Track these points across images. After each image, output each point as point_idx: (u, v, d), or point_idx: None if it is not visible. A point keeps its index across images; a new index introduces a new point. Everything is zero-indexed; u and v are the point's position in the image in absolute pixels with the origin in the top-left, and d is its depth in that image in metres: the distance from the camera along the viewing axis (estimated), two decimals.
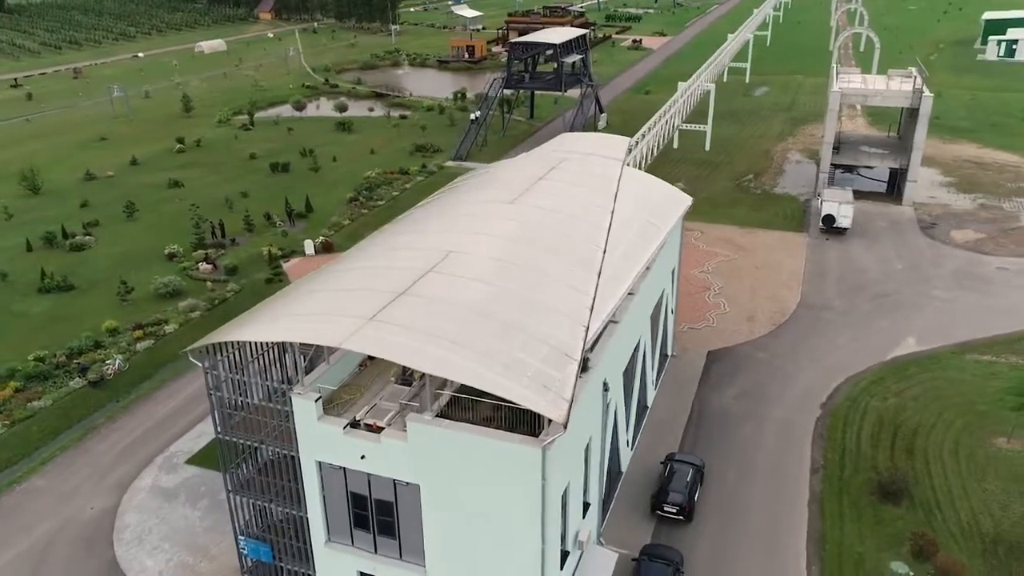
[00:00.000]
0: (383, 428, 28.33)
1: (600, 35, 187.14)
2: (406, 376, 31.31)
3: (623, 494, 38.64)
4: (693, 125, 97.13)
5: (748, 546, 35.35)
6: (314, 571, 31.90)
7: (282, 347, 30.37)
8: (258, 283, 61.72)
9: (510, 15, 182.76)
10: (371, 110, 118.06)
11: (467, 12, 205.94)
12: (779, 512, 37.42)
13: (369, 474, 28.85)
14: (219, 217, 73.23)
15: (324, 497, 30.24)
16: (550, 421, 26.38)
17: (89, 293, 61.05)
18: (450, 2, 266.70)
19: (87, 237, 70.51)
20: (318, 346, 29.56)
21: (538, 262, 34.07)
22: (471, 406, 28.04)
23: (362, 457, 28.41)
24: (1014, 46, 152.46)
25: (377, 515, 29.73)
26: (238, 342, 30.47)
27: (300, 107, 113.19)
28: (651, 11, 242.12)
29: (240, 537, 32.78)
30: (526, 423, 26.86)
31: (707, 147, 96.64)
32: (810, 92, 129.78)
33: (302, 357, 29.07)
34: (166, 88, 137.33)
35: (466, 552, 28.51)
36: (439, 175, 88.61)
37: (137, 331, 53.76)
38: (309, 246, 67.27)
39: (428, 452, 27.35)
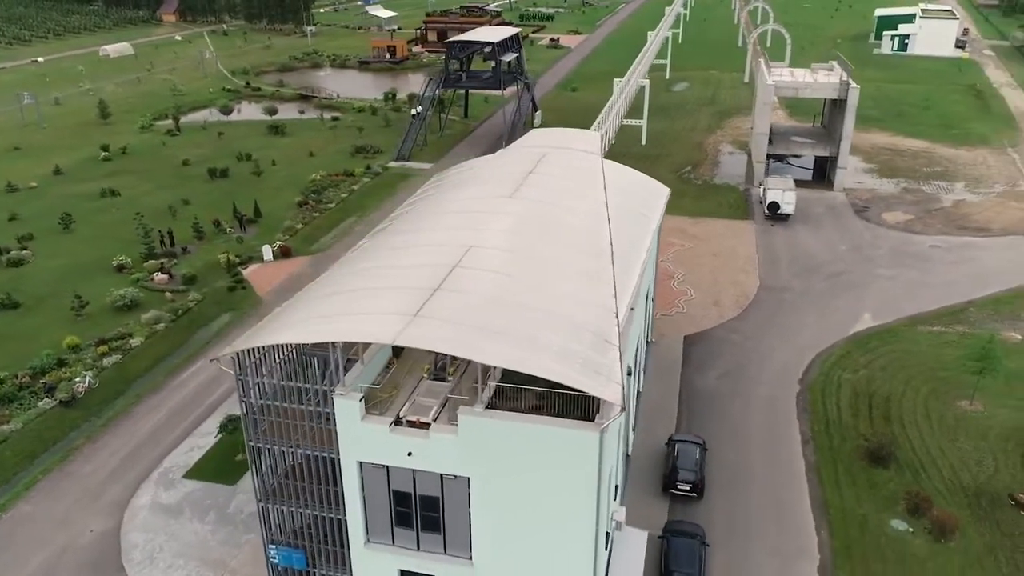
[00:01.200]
0: (428, 424, 28.47)
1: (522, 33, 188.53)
2: (439, 372, 31.44)
3: (632, 476, 39.81)
4: (630, 120, 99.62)
5: (759, 516, 37.11)
6: (351, 574, 31.65)
7: (299, 349, 29.90)
8: (220, 291, 59.94)
9: (428, 15, 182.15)
10: (302, 112, 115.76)
11: (382, 12, 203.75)
12: (780, 482, 39.40)
13: (414, 470, 28.89)
14: (164, 226, 70.59)
15: (364, 497, 30.05)
16: (598, 408, 27.23)
17: (37, 309, 57.87)
18: (359, 2, 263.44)
19: (24, 251, 66.64)
20: (345, 347, 29.35)
21: (553, 253, 34.89)
22: (516, 395, 28.50)
23: (409, 454, 28.45)
24: (906, 40, 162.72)
25: (421, 511, 29.80)
26: (265, 347, 29.92)
27: (227, 111, 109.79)
28: (561, 10, 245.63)
29: (271, 546, 32.16)
30: (575, 409, 27.54)
31: (643, 141, 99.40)
32: (728, 87, 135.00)
33: (342, 358, 28.82)
34: (76, 94, 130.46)
35: (515, 540, 28.92)
36: (384, 176, 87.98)
37: (101, 346, 51.40)
38: (267, 252, 65.72)
39: (479, 444, 27.65)
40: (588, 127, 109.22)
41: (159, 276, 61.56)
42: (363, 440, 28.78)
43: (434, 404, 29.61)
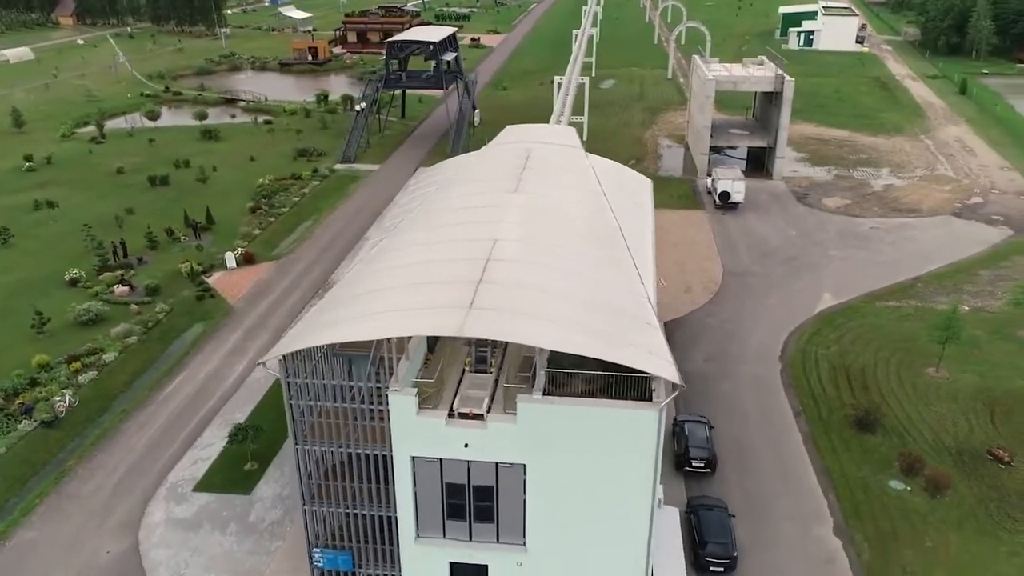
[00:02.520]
0: (481, 415, 28.90)
1: None
2: (479, 364, 31.85)
3: None
4: (572, 117, 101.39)
5: (770, 486, 39.13)
6: (399, 571, 31.70)
7: (333, 349, 29.85)
8: (187, 301, 58.11)
9: (347, 15, 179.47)
10: (233, 116, 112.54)
11: (296, 13, 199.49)
12: (782, 453, 41.60)
13: (469, 461, 29.28)
14: (110, 236, 67.71)
15: (416, 492, 30.21)
16: (647, 388, 28.35)
17: None
18: (267, 3, 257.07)
19: None
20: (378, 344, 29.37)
21: (572, 243, 35.82)
22: (566, 381, 29.29)
23: (465, 445, 28.84)
24: (811, 36, 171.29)
25: (475, 501, 30.19)
26: (312, 348, 29.66)
27: (154, 117, 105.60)
28: (475, 10, 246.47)
29: (315, 550, 31.87)
30: (625, 390, 28.49)
31: (584, 137, 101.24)
32: (653, 83, 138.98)
33: (396, 355, 28.90)
34: None
35: (570, 522, 29.70)
36: (332, 179, 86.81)
37: (74, 363, 49.10)
38: (230, 259, 64.01)
39: (537, 431, 28.29)
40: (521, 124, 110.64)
41: (120, 288, 59.09)
42: (417, 435, 28.95)
43: (482, 395, 30.04)
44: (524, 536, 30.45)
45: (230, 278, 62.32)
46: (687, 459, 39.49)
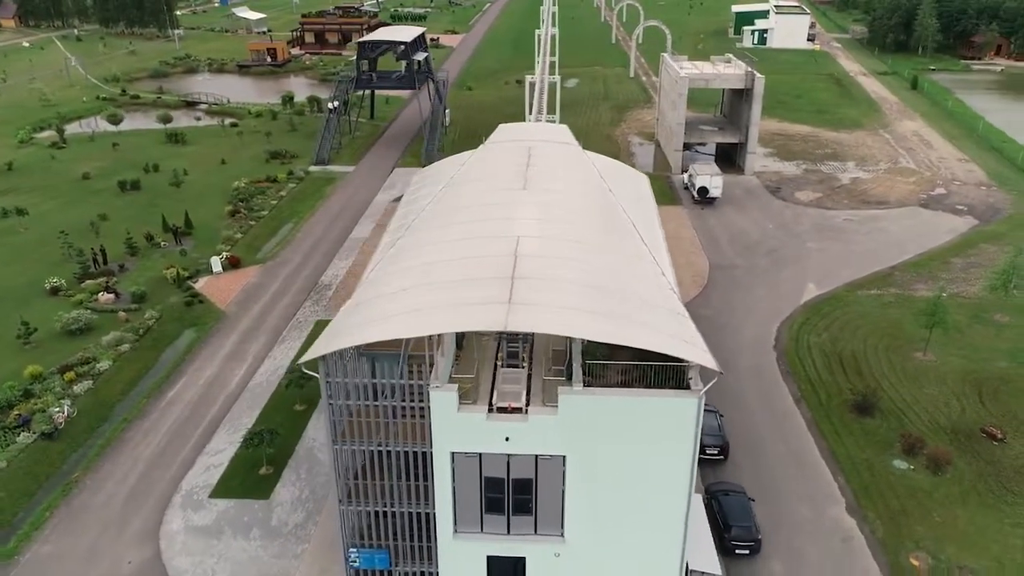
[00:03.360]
0: (519, 409, 29.27)
1: None
2: (511, 359, 32.18)
3: None
4: (544, 116, 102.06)
5: (781, 470, 40.31)
6: (436, 568, 31.84)
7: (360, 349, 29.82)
8: (176, 308, 57.11)
9: (304, 16, 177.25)
10: (198, 119, 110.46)
11: (250, 14, 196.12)
12: (788, 438, 42.86)
13: (509, 455, 29.61)
14: (86, 243, 66.13)
15: (455, 488, 30.40)
16: (682, 376, 29.08)
17: None
18: (217, 4, 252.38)
19: None
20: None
21: (592, 237, 36.38)
22: (601, 372, 29.83)
23: (506, 439, 29.16)
24: (765, 35, 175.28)
25: (514, 494, 30.52)
26: (351, 348, 29.61)
27: (116, 121, 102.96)
28: (430, 10, 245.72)
29: (351, 550, 31.82)
30: (661, 380, 29.16)
31: None
32: (616, 82, 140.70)
33: (435, 352, 29.06)
34: None
35: (608, 511, 30.24)
36: (308, 181, 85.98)
37: (67, 373, 47.92)
38: (216, 263, 63.02)
39: (577, 422, 28.75)
40: (493, 124, 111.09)
41: (104, 296, 57.74)
42: (458, 430, 29.12)
43: (519, 389, 30.38)
44: (562, 527, 30.89)
45: (217, 283, 61.38)
46: (701, 447, 40.26)
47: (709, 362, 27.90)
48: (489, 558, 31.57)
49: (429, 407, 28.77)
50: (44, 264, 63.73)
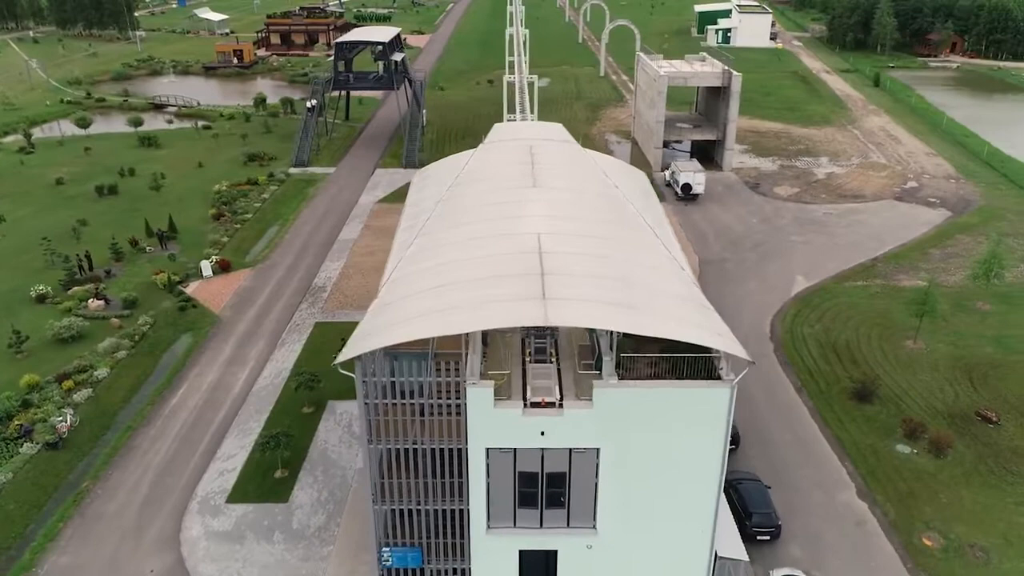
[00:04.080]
0: (554, 403, 29.65)
1: None
2: (539, 355, 32.51)
3: None
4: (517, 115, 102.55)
5: (790, 457, 41.32)
6: (469, 563, 32.06)
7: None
8: (169, 313, 56.26)
9: (269, 17, 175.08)
10: (170, 122, 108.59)
11: (212, 15, 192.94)
12: (794, 427, 43.93)
13: (544, 449, 29.97)
14: (67, 249, 64.84)
15: (489, 484, 30.66)
16: (711, 367, 29.77)
17: None
18: (175, 5, 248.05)
19: None
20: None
21: (608, 233, 36.92)
22: (631, 364, 30.33)
23: (542, 433, 29.53)
24: (729, 34, 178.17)
25: (547, 488, 30.88)
26: (387, 347, 29.59)
27: (85, 124, 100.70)
28: (394, 10, 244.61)
29: (384, 549, 31.85)
30: (691, 371, 29.80)
31: None
32: (587, 81, 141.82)
33: (472, 349, 29.27)
34: None
35: (640, 502, 30.79)
36: (290, 183, 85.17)
37: (65, 382, 46.99)
38: (206, 267, 62.19)
39: (612, 414, 29.22)
40: (469, 124, 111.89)
41: (94, 302, 56.66)
42: (493, 426, 29.36)
43: (549, 384, 30.78)
44: (594, 519, 31.37)
45: (209, 287, 60.59)
46: None
47: (741, 352, 28.60)
48: (521, 552, 31.91)
49: (464, 404, 29.06)
50: (27, 271, 62.26)
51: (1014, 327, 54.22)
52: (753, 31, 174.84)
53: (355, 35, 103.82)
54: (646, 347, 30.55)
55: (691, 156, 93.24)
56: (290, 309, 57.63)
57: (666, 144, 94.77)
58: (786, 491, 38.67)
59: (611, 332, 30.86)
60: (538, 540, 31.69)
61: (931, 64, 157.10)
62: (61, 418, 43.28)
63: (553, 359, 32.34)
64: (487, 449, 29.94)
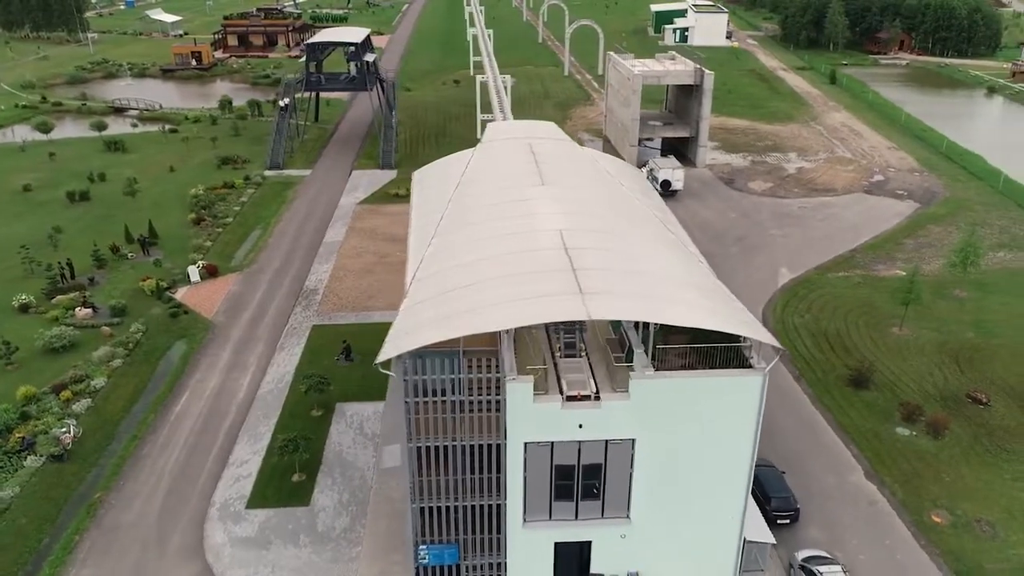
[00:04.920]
0: (590, 396, 30.18)
1: None
2: (568, 349, 32.97)
3: None
4: (491, 115, 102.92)
5: (800, 442, 42.62)
6: (505, 558, 32.38)
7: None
8: (161, 320, 55.32)
9: (226, 18, 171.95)
10: (135, 126, 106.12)
11: (165, 16, 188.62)
12: (799, 413, 45.27)
13: (580, 442, 30.48)
14: (43, 258, 63.19)
15: (526, 478, 31.04)
16: (741, 356, 30.65)
17: None
18: (122, 7, 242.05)
19: None
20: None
21: (624, 228, 37.62)
22: (662, 356, 31.02)
23: (580, 426, 30.04)
24: (686, 33, 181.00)
25: (583, 480, 31.39)
26: (427, 346, 29.65)
27: (47, 129, 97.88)
28: (350, 11, 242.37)
29: (421, 547, 31.97)
30: (721, 361, 30.63)
31: None
32: (553, 81, 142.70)
33: (507, 345, 29.60)
34: None
35: (674, 490, 31.51)
36: (267, 186, 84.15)
37: (63, 392, 45.88)
38: (194, 273, 61.21)
39: (647, 405, 29.92)
40: (441, 125, 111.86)
41: (82, 311, 55.31)
42: (532, 421, 29.78)
43: (583, 377, 31.30)
44: (628, 509, 32.01)
45: (198, 292, 59.64)
46: None
47: (772, 341, 29.53)
48: (556, 544, 32.38)
49: (503, 399, 29.36)
50: (5, 281, 60.51)
51: (991, 312, 56.60)
52: (710, 30, 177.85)
53: (326, 36, 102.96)
54: (673, 338, 31.27)
55: (661, 153, 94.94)
56: (284, 313, 57.10)
57: (639, 141, 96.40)
58: (798, 475, 39.87)
59: (640, 324, 31.59)
60: (573, 532, 32.21)
61: (882, 61, 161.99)
62: (64, 429, 42.31)
63: (583, 353, 32.89)
64: (525, 443, 30.37)
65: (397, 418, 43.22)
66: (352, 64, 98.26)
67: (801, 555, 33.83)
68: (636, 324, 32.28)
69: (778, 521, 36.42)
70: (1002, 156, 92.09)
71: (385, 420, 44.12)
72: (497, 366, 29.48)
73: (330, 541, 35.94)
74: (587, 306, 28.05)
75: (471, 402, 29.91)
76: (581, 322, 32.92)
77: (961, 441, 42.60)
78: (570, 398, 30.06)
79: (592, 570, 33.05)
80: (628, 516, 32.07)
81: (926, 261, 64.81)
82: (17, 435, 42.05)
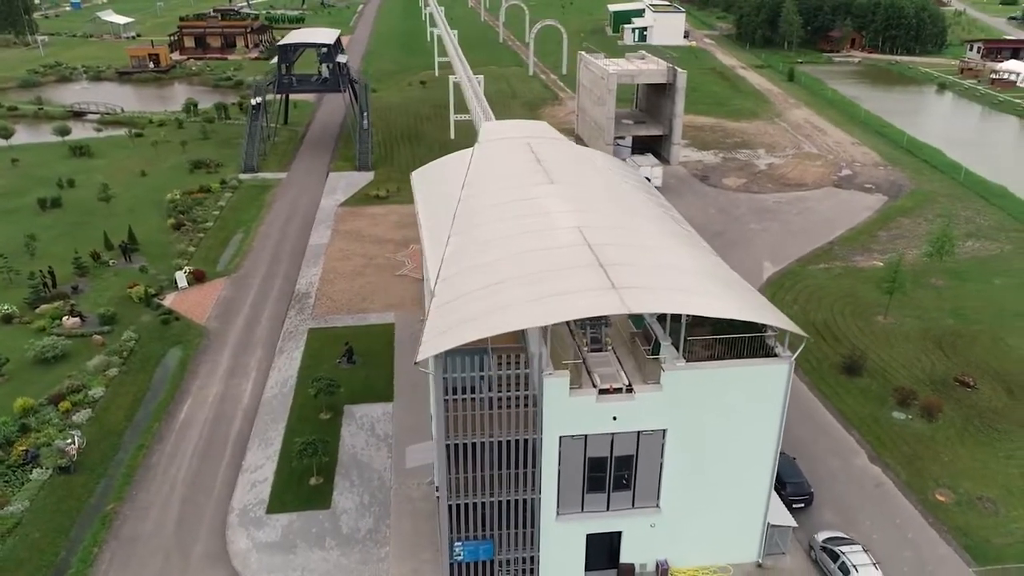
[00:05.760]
0: (621, 388, 30.85)
1: (279, 37, 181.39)
2: (594, 344, 33.58)
3: None
4: (464, 115, 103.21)
5: (802, 428, 43.84)
6: (537, 551, 32.82)
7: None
8: (152, 326, 54.42)
9: (182, 19, 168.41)
10: (99, 131, 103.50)
11: (116, 18, 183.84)
12: (799, 401, 46.36)
13: (613, 434, 31.14)
14: (19, 266, 61.47)
15: (560, 472, 31.57)
16: (772, 346, 31.64)
17: None
18: (68, 8, 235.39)
19: None
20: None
21: (637, 223, 38.39)
22: (688, 347, 31.82)
23: (614, 418, 30.70)
24: (645, 32, 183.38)
25: (615, 471, 32.05)
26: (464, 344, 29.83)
27: (8, 135, 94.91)
28: (305, 12, 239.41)
29: (456, 544, 32.22)
30: (748, 350, 31.57)
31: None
32: (518, 80, 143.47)
33: (542, 341, 30.05)
34: None
35: (703, 478, 32.40)
36: (244, 189, 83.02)
37: (62, 403, 44.83)
38: (181, 279, 60.21)
39: (679, 396, 30.78)
40: (412, 126, 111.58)
41: (69, 320, 54.02)
42: (568, 414, 30.35)
43: (612, 371, 32.00)
44: (658, 498, 32.79)
45: (187, 298, 58.71)
46: None
47: (797, 330, 30.58)
48: (588, 536, 32.95)
49: (540, 394, 29.77)
50: None
51: (967, 299, 58.95)
52: (668, 30, 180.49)
53: (298, 37, 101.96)
54: (696, 330, 32.13)
55: (632, 151, 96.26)
56: (278, 317, 56.59)
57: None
58: (805, 460, 41.07)
59: (668, 317, 32.35)
60: (605, 523, 32.89)
61: (835, 59, 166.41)
62: (69, 440, 41.36)
63: (608, 347, 33.55)
64: (560, 437, 30.89)
65: (410, 419, 43.59)
66: (324, 65, 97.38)
67: (821, 537, 34.98)
68: (661, 317, 33.08)
69: (793, 505, 37.47)
70: (959, 150, 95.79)
71: (397, 421, 44.19)
72: (526, 362, 29.85)
73: (356, 543, 35.91)
74: (624, 301, 28.70)
75: (506, 398, 30.28)
76: (605, 317, 33.59)
77: (954, 423, 44.41)
78: (603, 391, 30.72)
79: (621, 560, 33.76)
80: (658, 505, 32.86)
81: (900, 252, 67.08)
82: (20, 448, 41.04)
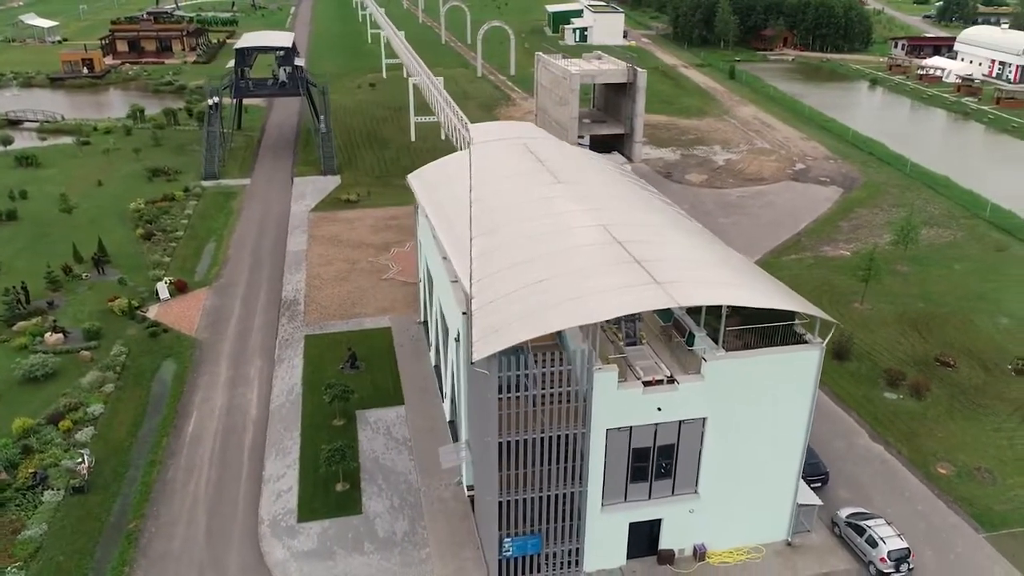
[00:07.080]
0: (662, 380, 31.89)
1: (217, 40, 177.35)
2: (629, 338, 34.49)
3: None
4: (424, 117, 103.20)
5: None
6: (582, 543, 33.56)
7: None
8: (140, 340, 52.99)
9: (114, 22, 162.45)
10: (43, 139, 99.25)
11: (41, 21, 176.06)
12: None
13: (657, 424, 32.15)
14: None
15: (606, 463, 32.40)
16: (800, 334, 33.13)
17: None
18: None
19: None
20: None
21: (654, 220, 39.48)
22: (718, 337, 33.02)
23: (659, 409, 31.70)
24: (586, 32, 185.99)
25: (657, 460, 33.06)
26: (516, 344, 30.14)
27: None
28: (236, 14, 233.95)
29: (506, 540, 32.67)
30: (777, 338, 33.00)
31: (443, 136, 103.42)
32: (467, 82, 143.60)
33: (593, 338, 30.78)
34: None
35: (739, 462, 33.71)
36: (208, 197, 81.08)
37: (62, 422, 43.33)
38: (163, 290, 58.65)
39: (719, 385, 32.02)
40: (370, 128, 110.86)
41: (52, 336, 52.05)
42: (615, 407, 31.20)
43: (652, 363, 33.01)
44: (697, 484, 33.96)
45: (171, 309, 57.27)
46: None
47: (827, 317, 32.15)
48: (631, 525, 33.89)
49: (590, 388, 30.46)
50: None
51: (932, 283, 62.33)
52: (607, 30, 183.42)
53: (253, 40, 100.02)
54: (728, 320, 33.38)
55: (590, 150, 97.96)
56: (271, 325, 55.75)
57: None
58: (813, 442, 42.86)
59: (703, 309, 33.55)
60: (646, 511, 33.88)
61: (770, 57, 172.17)
62: (79, 460, 40.05)
63: (645, 341, 34.55)
64: (607, 430, 31.71)
65: (425, 422, 43.80)
66: (282, 69, 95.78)
67: (844, 513, 36.76)
68: (693, 310, 34.28)
69: (811, 485, 39.22)
70: (901, 142, 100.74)
71: (412, 424, 44.25)
72: (562, 359, 30.43)
73: (395, 545, 35.96)
74: (671, 294, 29.66)
75: (553, 394, 30.85)
76: (638, 312, 34.52)
77: (941, 401, 47.09)
78: (647, 383, 31.69)
79: (661, 546, 34.81)
80: (696, 491, 34.01)
81: (863, 241, 70.41)
82: (27, 470, 39.54)
